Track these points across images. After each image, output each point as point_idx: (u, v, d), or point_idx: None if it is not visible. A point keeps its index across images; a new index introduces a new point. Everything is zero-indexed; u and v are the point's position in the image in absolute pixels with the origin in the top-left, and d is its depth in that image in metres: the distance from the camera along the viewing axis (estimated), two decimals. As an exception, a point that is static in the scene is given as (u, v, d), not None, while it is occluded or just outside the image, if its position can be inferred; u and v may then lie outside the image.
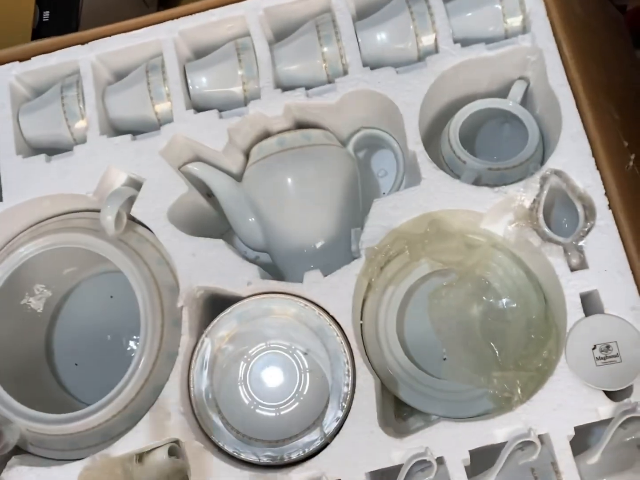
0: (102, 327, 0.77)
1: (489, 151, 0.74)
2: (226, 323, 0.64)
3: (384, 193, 0.77)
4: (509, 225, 0.61)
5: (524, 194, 0.61)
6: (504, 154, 0.73)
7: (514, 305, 0.63)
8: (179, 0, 1.08)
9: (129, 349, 0.76)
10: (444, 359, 0.66)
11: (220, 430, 0.62)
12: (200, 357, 0.63)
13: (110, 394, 0.63)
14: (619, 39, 0.84)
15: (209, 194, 0.74)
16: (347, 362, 0.61)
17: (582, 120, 0.61)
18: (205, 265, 0.64)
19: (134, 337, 0.76)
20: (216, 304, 0.67)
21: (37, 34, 0.87)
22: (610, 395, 0.57)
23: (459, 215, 0.63)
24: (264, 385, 0.64)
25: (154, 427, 0.61)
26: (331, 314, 0.62)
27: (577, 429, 0.56)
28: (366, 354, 0.64)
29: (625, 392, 0.56)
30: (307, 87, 0.68)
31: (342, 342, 0.61)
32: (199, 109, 0.69)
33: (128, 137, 0.68)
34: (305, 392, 0.63)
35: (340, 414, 0.60)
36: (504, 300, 0.64)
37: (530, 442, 0.56)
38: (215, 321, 0.63)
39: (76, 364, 0.76)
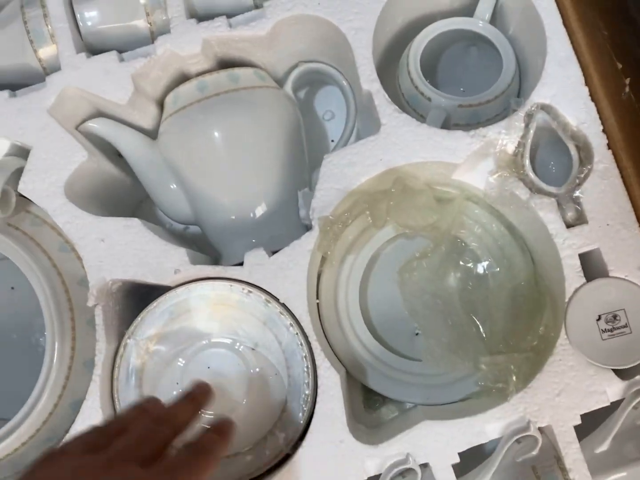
0: (4, 325, 0.63)
1: (453, 81, 0.62)
2: (153, 320, 0.52)
3: (332, 141, 0.65)
4: (490, 176, 0.50)
5: (506, 136, 0.50)
6: (472, 84, 0.62)
7: (497, 269, 0.53)
8: None
9: (40, 348, 0.63)
10: (417, 334, 0.56)
11: (158, 450, 0.51)
12: (124, 364, 0.51)
13: (16, 417, 0.51)
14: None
15: (119, 154, 0.60)
16: (306, 358, 0.50)
17: (572, 41, 0.50)
18: (119, 252, 0.51)
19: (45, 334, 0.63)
20: (140, 294, 0.55)
21: None
22: (619, 372, 0.48)
23: (428, 167, 0.51)
24: (206, 391, 0.52)
25: (74, 458, 0.49)
26: (282, 300, 0.50)
27: (583, 416, 0.47)
28: (326, 340, 0.53)
29: (636, 368, 0.48)
30: (229, 15, 0.54)
31: (297, 334, 0.50)
32: (93, 50, 0.55)
33: (5, 93, 0.53)
34: (257, 396, 0.52)
35: (301, 420, 0.50)
36: (485, 264, 0.54)
37: (530, 436, 0.47)
38: (138, 319, 0.51)
39: (-22, 372, 0.63)
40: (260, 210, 0.56)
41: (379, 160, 0.50)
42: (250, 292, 0.51)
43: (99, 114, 0.57)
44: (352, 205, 0.51)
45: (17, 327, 0.63)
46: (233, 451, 0.50)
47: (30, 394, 0.51)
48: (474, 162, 0.50)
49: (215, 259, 0.58)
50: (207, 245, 0.61)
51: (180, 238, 0.62)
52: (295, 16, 0.52)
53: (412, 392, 0.54)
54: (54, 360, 0.51)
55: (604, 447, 0.47)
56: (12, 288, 0.63)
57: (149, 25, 0.54)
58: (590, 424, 0.49)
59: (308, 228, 0.57)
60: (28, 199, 0.54)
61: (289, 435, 0.50)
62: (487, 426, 0.47)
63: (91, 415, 0.49)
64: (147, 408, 0.40)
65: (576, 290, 0.48)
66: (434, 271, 0.52)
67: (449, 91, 0.59)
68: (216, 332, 0.53)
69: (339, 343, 0.54)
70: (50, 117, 0.52)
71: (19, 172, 0.53)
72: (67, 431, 0.52)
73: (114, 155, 0.59)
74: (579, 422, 0.47)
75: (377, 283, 0.57)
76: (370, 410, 0.56)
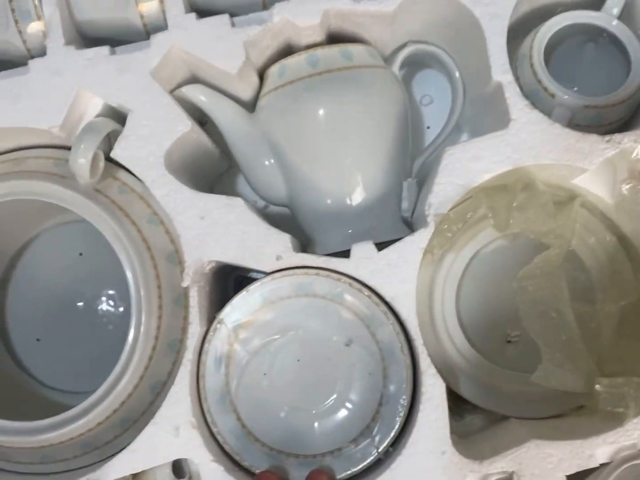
0: (69, 292, 0.60)
1: (564, 77, 0.58)
2: (246, 305, 0.49)
3: (428, 127, 0.61)
4: (621, 186, 0.47)
5: (642, 144, 0.47)
6: (586, 83, 0.58)
7: (607, 283, 0.50)
8: None
9: (105, 319, 0.60)
10: (508, 342, 0.53)
11: (242, 443, 0.48)
12: (212, 350, 0.48)
13: (94, 395, 0.47)
14: None
15: (201, 122, 0.57)
16: (406, 361, 0.47)
17: None
18: (219, 232, 0.47)
19: (113, 304, 0.60)
20: (230, 276, 0.52)
21: None
22: None
23: (555, 169, 0.48)
24: (295, 386, 0.49)
25: (157, 445, 0.46)
26: (387, 299, 0.47)
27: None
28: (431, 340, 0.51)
29: None
30: (354, -16, 0.50)
31: (398, 334, 0.47)
32: (199, 11, 0.51)
33: (105, 49, 0.49)
34: (349, 395, 0.49)
35: (397, 425, 0.47)
36: (594, 276, 0.51)
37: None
38: (232, 302, 0.48)
39: (38, 339, 0.60)
40: (360, 199, 0.52)
41: (507, 158, 0.47)
42: (351, 285, 0.48)
43: (194, 80, 0.53)
44: (473, 203, 0.48)
45: (84, 296, 0.60)
46: (325, 449, 0.48)
47: (111, 372, 0.47)
48: (604, 169, 0.47)
49: (303, 245, 0.55)
50: (290, 229, 0.57)
51: (270, 216, 0.59)
52: (426, -8, 0.49)
53: (506, 403, 0.51)
54: (139, 340, 0.48)
55: None
56: (80, 254, 0.60)
57: (262, -13, 0.50)
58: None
59: (406, 222, 0.54)
60: (116, 164, 0.51)
61: (383, 440, 0.47)
62: (598, 450, 0.45)
63: (179, 401, 0.47)
64: None
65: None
66: (549, 280, 0.49)
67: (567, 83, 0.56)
68: (310, 324, 0.49)
69: (431, 345, 0.51)
70: (152, 80, 0.48)
71: (109, 136, 0.50)
72: (143, 413, 0.50)
73: (200, 124, 0.56)
74: (698, 452, 0.45)
75: (471, 286, 0.54)
76: (457, 417, 0.54)
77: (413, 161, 0.56)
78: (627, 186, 0.47)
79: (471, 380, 0.51)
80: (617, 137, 0.47)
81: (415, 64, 0.61)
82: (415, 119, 0.61)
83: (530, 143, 0.47)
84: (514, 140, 0.47)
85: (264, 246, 0.47)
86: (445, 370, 0.51)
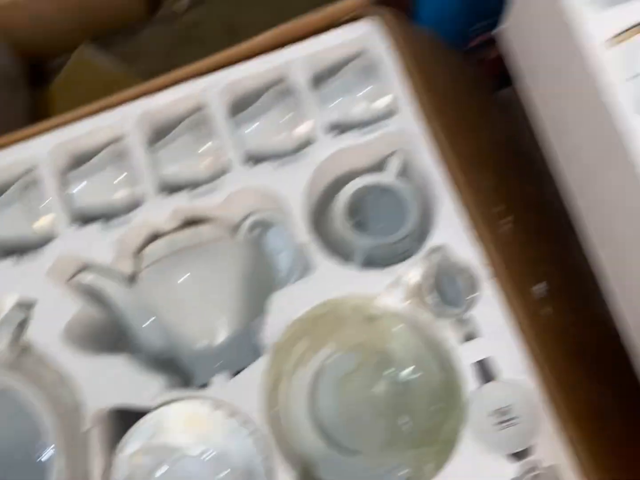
0: (7, 448, 0.73)
1: (373, 220, 0.76)
2: (138, 437, 0.63)
3: (280, 271, 0.79)
4: (402, 304, 0.64)
5: (412, 272, 0.64)
6: (388, 222, 0.76)
7: (416, 375, 0.66)
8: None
9: (42, 465, 0.73)
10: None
11: None
12: (116, 476, 0.62)
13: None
14: (478, 90, 0.89)
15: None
16: (264, 461, 0.61)
17: (458, 197, 0.65)
18: (109, 383, 0.63)
19: (45, 449, 0.73)
20: (124, 415, 0.66)
21: None
22: (518, 455, 0.60)
23: (356, 298, 0.65)
24: (185, 496, 0.63)
25: None
26: (244, 414, 0.62)
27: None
28: (286, 442, 0.65)
29: (526, 450, 0.60)
30: (193, 187, 0.68)
31: (257, 441, 0.62)
32: (82, 219, 0.69)
33: (10, 260, 0.67)
34: (227, 496, 0.63)
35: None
36: (407, 371, 0.67)
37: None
38: (126, 438, 0.63)
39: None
40: (221, 339, 0.69)
41: (315, 296, 0.64)
42: (218, 407, 0.63)
43: (85, 267, 0.70)
44: (296, 330, 0.65)
45: (19, 449, 0.73)
46: None
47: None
48: (389, 293, 0.64)
49: (187, 378, 0.70)
50: (178, 367, 0.73)
51: (155, 362, 0.74)
52: (242, 188, 0.67)
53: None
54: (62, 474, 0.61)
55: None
56: (13, 415, 0.74)
57: (126, 197, 0.69)
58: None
59: (262, 351, 0.70)
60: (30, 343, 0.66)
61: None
62: (413, 507, 0.59)
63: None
64: None
65: (474, 392, 0.61)
66: (365, 382, 0.65)
67: (369, 228, 0.74)
68: (189, 444, 0.63)
69: (295, 444, 0.66)
70: (48, 278, 0.65)
71: (21, 323, 0.66)
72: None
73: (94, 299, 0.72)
74: (484, 500, 0.59)
75: (323, 390, 0.69)
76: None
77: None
78: (406, 303, 0.64)
79: (328, 468, 0.66)
80: (393, 268, 0.64)
81: (264, 224, 0.79)
82: (271, 264, 0.78)
83: (331, 284, 0.64)
84: (319, 282, 0.64)
85: (143, 389, 0.63)
86: (308, 465, 0.65)
